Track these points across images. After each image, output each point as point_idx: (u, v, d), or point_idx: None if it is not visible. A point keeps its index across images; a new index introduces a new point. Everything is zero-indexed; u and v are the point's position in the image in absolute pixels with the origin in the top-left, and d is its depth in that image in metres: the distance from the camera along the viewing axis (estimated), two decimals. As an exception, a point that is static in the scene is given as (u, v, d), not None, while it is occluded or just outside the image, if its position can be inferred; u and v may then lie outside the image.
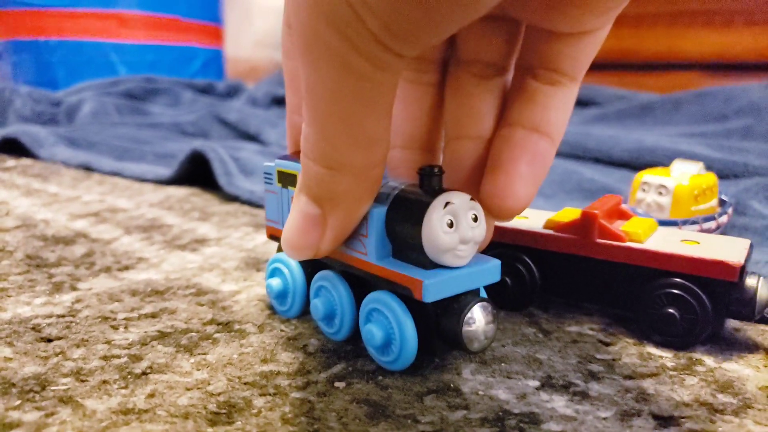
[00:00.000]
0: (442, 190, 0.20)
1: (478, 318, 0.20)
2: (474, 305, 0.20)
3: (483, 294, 0.22)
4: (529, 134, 0.20)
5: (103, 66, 1.25)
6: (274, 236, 0.26)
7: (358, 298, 0.23)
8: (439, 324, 0.20)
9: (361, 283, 0.23)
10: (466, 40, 0.21)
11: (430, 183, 0.20)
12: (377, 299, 0.21)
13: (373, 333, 0.21)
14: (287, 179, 0.25)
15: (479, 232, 0.20)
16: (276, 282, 0.26)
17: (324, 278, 0.24)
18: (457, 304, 0.20)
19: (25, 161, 0.73)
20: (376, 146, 0.17)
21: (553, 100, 0.20)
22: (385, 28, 0.14)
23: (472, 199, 0.20)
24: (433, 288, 0.19)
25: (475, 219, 0.20)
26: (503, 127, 0.21)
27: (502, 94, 0.21)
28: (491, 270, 0.21)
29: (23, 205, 0.50)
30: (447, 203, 0.19)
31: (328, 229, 0.19)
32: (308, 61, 0.16)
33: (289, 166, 0.24)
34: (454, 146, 0.22)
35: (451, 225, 0.19)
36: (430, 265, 0.20)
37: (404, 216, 0.20)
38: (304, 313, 0.27)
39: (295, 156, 0.25)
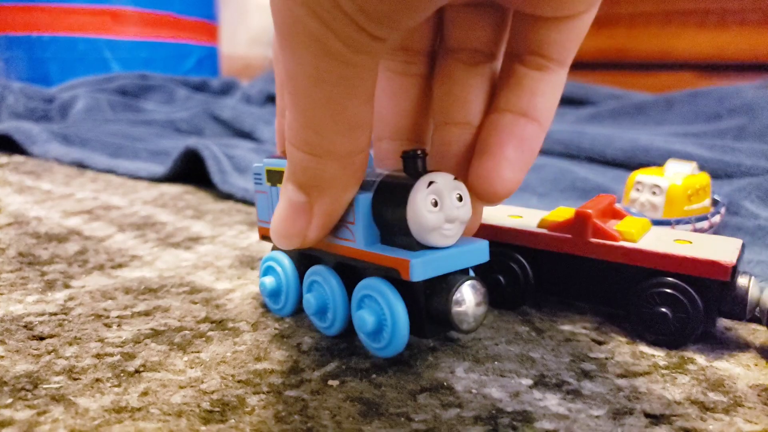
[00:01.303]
0: (425, 171, 0.20)
1: (467, 296, 0.20)
2: (463, 283, 0.20)
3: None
4: (516, 119, 0.20)
5: (96, 62, 1.24)
6: (267, 237, 0.26)
7: (351, 290, 0.23)
8: (429, 304, 0.21)
9: (352, 274, 0.23)
10: (453, 28, 0.21)
11: (414, 165, 0.20)
12: (368, 285, 0.22)
13: (364, 319, 0.21)
14: (276, 177, 0.25)
15: (465, 211, 0.20)
16: (269, 280, 0.26)
17: (316, 272, 0.24)
18: (446, 283, 0.20)
19: (18, 158, 0.73)
20: (359, 131, 0.17)
21: (541, 85, 0.20)
22: (360, 11, 0.14)
23: (455, 178, 0.20)
24: (420, 267, 0.19)
25: (460, 198, 0.20)
26: (491, 113, 0.21)
27: (490, 81, 0.21)
28: (479, 250, 0.21)
29: (16, 202, 0.50)
30: (430, 182, 0.19)
31: (315, 217, 0.19)
32: (287, 47, 0.15)
33: (277, 164, 0.24)
34: (442, 132, 0.22)
35: (435, 204, 0.19)
36: (418, 246, 0.20)
37: (389, 199, 0.20)
38: (298, 311, 0.27)
39: (284, 155, 0.25)
